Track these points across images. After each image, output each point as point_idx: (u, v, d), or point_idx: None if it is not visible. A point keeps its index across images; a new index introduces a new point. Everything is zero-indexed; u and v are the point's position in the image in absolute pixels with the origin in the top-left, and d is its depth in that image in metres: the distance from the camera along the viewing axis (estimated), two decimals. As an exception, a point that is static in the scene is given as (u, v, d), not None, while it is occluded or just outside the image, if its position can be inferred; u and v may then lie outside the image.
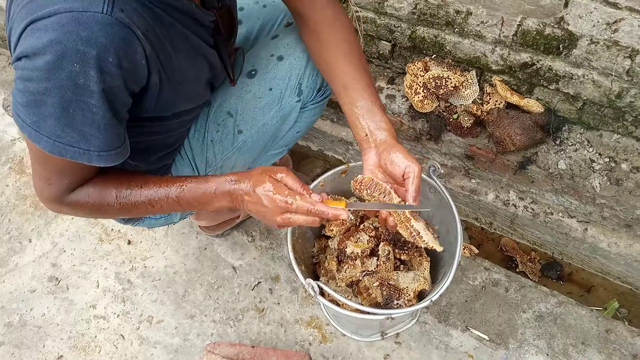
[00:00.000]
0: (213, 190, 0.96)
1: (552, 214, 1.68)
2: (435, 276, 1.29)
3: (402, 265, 1.30)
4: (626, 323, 1.55)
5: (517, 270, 1.69)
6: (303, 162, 2.07)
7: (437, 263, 1.31)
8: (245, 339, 1.49)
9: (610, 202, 1.52)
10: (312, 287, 1.08)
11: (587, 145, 1.58)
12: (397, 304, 1.20)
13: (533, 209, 1.70)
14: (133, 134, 0.94)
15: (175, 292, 1.61)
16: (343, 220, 0.94)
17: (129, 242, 1.73)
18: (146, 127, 1.01)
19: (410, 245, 1.26)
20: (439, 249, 1.01)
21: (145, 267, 1.67)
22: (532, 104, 1.55)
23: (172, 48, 0.88)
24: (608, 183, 1.52)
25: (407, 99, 1.70)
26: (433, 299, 1.09)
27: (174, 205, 0.99)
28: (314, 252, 1.38)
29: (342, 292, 1.26)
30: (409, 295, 1.20)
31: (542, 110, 1.56)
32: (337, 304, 1.16)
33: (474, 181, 1.78)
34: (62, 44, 0.71)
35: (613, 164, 1.54)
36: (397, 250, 1.26)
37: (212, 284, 1.62)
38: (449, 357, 1.41)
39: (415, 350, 1.43)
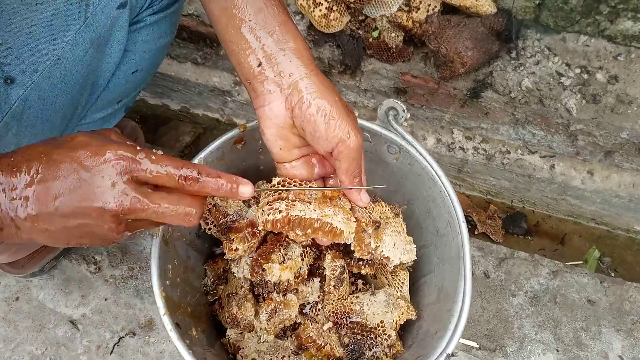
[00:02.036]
0: None
1: (509, 152, 1.28)
2: (415, 290, 0.80)
3: (360, 281, 0.79)
4: (613, 275, 1.25)
5: (477, 232, 1.29)
6: (162, 129, 1.43)
7: (413, 268, 0.82)
8: None
9: (589, 126, 1.15)
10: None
11: (550, 54, 1.19)
12: (373, 355, 0.69)
13: (485, 150, 1.29)
14: None
15: (-30, 390, 0.93)
16: (244, 198, 0.53)
17: None
18: None
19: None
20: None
21: None
22: (483, 3, 1.10)
23: None
24: (584, 102, 1.14)
25: (304, 16, 1.15)
26: (448, 350, 0.60)
27: None
28: (208, 285, 0.80)
29: (272, 351, 0.71)
30: (389, 336, 0.70)
31: (495, 10, 1.11)
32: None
33: (406, 124, 1.31)
34: None
35: (586, 76, 1.17)
36: (353, 263, 0.73)
37: (39, 358, 0.95)
38: (430, 385, 0.96)
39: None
